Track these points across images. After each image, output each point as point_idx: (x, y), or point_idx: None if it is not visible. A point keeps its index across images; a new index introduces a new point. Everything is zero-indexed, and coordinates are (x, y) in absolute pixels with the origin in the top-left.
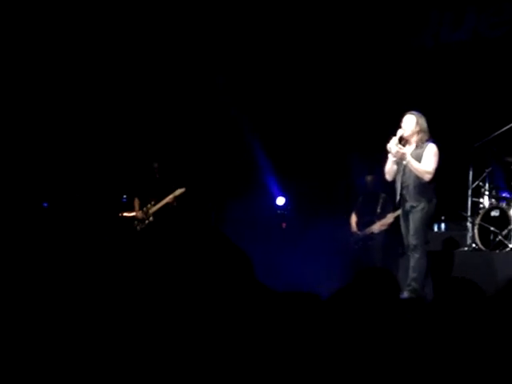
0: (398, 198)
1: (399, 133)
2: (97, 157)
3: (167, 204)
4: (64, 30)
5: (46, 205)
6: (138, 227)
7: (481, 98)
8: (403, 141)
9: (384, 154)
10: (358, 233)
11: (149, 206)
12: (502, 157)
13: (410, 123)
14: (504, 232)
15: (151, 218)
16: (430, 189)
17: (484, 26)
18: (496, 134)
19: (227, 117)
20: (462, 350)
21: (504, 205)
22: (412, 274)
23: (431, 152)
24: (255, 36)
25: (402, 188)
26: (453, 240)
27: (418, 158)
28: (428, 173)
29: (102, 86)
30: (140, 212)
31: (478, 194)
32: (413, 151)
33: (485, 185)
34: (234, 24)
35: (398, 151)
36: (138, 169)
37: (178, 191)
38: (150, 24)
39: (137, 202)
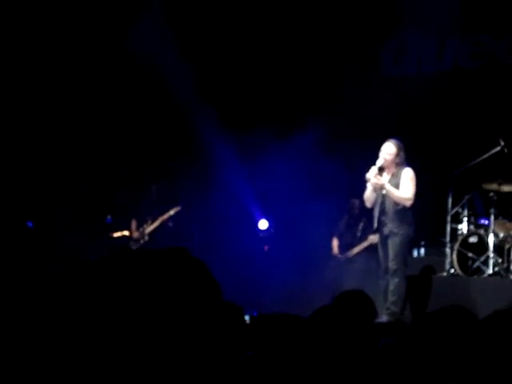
0: (375, 224)
1: (379, 163)
2: (85, 175)
3: (162, 223)
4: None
5: (30, 224)
6: (134, 247)
7: (461, 126)
8: (382, 169)
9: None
10: (339, 256)
11: (145, 226)
12: (481, 184)
13: (390, 152)
14: (482, 258)
15: (146, 238)
16: (409, 214)
17: (464, 57)
18: (476, 161)
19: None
20: (442, 372)
21: (482, 231)
22: (391, 298)
23: (408, 177)
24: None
25: (380, 214)
26: (431, 265)
27: (397, 185)
28: (408, 199)
29: (94, 101)
30: (136, 232)
31: (457, 220)
32: (391, 179)
33: (464, 211)
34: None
35: (376, 182)
36: (136, 190)
37: (173, 210)
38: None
39: (134, 223)
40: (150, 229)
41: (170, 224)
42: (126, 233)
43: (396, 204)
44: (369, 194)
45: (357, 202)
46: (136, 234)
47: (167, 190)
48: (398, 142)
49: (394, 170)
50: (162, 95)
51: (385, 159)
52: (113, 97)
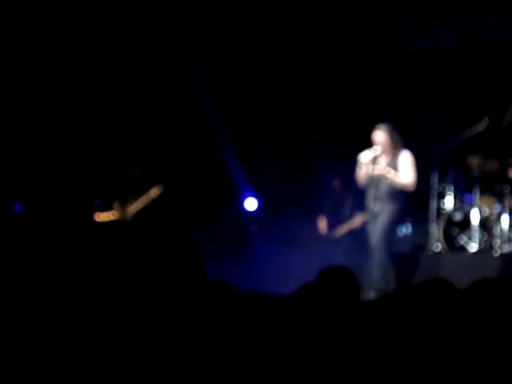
0: (370, 203)
1: (374, 151)
2: (72, 158)
3: (146, 204)
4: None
5: (18, 208)
6: None
7: (446, 105)
8: (379, 157)
9: (353, 160)
10: (327, 234)
11: (126, 207)
12: (465, 161)
13: (384, 138)
14: (466, 235)
15: (130, 219)
16: (403, 195)
17: (449, 37)
18: (461, 139)
19: (202, 118)
20: (427, 348)
21: (467, 208)
22: (377, 274)
23: (408, 162)
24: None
25: (374, 195)
26: (417, 242)
27: (395, 167)
28: (411, 185)
29: (78, 85)
30: (119, 213)
31: (443, 197)
32: (389, 162)
33: (449, 188)
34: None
35: (378, 171)
36: (118, 171)
37: (155, 190)
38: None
39: (117, 204)
40: (132, 209)
41: (154, 205)
42: (111, 215)
43: (392, 187)
44: (361, 175)
45: (337, 182)
46: (118, 215)
47: (150, 170)
48: (388, 127)
49: (391, 152)
50: (147, 75)
51: (379, 146)
52: (99, 80)
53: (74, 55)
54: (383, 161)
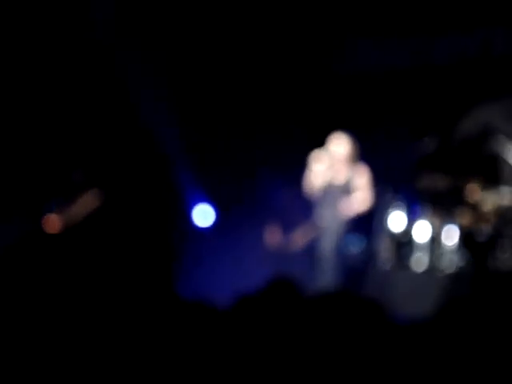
0: (323, 214)
1: (331, 160)
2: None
3: (87, 210)
4: None
5: None
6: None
7: (396, 123)
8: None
9: (301, 169)
10: (276, 245)
11: (66, 213)
12: (416, 178)
13: (345, 149)
14: (415, 253)
15: (71, 225)
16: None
17: (400, 57)
18: (412, 156)
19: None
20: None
21: (417, 226)
22: (325, 286)
23: (366, 181)
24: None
25: (328, 204)
26: (367, 259)
27: (349, 181)
28: (368, 203)
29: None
30: (59, 218)
31: (393, 214)
32: (346, 175)
33: (399, 206)
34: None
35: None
36: (57, 175)
37: (90, 195)
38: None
39: (57, 210)
40: (72, 215)
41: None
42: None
43: (346, 197)
44: (315, 183)
45: (286, 191)
46: (59, 221)
47: (92, 174)
48: (350, 137)
49: (349, 164)
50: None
51: (339, 155)
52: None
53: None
54: (340, 172)
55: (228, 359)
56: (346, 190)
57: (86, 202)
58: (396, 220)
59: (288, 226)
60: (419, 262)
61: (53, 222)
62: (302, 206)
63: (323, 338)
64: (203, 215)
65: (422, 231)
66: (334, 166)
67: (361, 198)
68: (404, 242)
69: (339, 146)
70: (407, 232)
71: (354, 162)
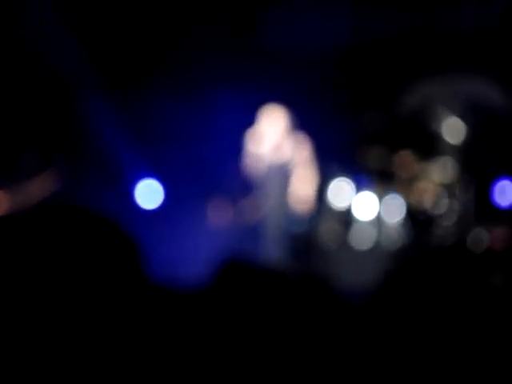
0: (264, 194)
1: (271, 135)
2: None
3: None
4: None
5: None
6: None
7: (334, 98)
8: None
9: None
10: (224, 220)
11: (18, 193)
12: (358, 154)
13: (282, 124)
14: (359, 231)
15: (25, 207)
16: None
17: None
18: (353, 132)
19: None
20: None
21: (360, 204)
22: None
23: (306, 150)
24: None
25: (269, 184)
26: (311, 239)
27: (293, 156)
28: (313, 174)
29: None
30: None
31: (336, 193)
32: (286, 149)
33: (343, 183)
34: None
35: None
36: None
37: (46, 178)
38: None
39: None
40: (26, 196)
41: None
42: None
43: (289, 179)
44: (254, 164)
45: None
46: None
47: (42, 154)
48: (285, 110)
49: (288, 140)
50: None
51: (274, 130)
52: None
53: None
54: (279, 148)
55: (199, 343)
56: (287, 164)
57: (41, 185)
58: (340, 196)
59: (234, 203)
60: (362, 239)
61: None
62: (247, 182)
63: (277, 318)
64: (149, 194)
65: (365, 208)
66: (271, 142)
67: (303, 173)
68: (347, 220)
69: (273, 121)
70: (350, 210)
71: (291, 135)
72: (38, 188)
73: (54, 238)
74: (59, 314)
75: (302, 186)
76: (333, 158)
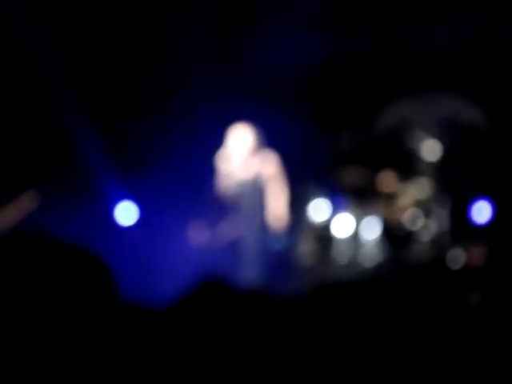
0: (239, 214)
1: (240, 153)
2: None
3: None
4: None
5: None
6: None
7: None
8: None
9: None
10: (203, 239)
11: None
12: (336, 172)
13: (250, 140)
14: (337, 248)
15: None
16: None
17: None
18: (331, 150)
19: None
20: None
21: (338, 221)
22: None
23: (275, 165)
24: None
25: (243, 203)
26: (288, 256)
27: (262, 172)
28: (284, 190)
29: None
30: None
31: (313, 209)
32: (255, 167)
33: (319, 201)
34: None
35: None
36: None
37: (24, 199)
38: None
39: None
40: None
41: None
42: None
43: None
44: (228, 183)
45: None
46: None
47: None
48: (253, 127)
49: (255, 157)
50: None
51: (240, 148)
52: None
53: None
54: (248, 165)
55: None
56: (257, 181)
57: (19, 206)
58: (317, 213)
59: (213, 221)
60: (340, 256)
61: None
62: (223, 201)
63: (254, 337)
64: (126, 213)
65: (342, 225)
66: (239, 160)
67: (274, 190)
68: (325, 237)
69: (240, 138)
70: (328, 226)
71: (259, 151)
72: (15, 210)
73: (20, 267)
74: (29, 339)
75: (275, 203)
76: (311, 178)
